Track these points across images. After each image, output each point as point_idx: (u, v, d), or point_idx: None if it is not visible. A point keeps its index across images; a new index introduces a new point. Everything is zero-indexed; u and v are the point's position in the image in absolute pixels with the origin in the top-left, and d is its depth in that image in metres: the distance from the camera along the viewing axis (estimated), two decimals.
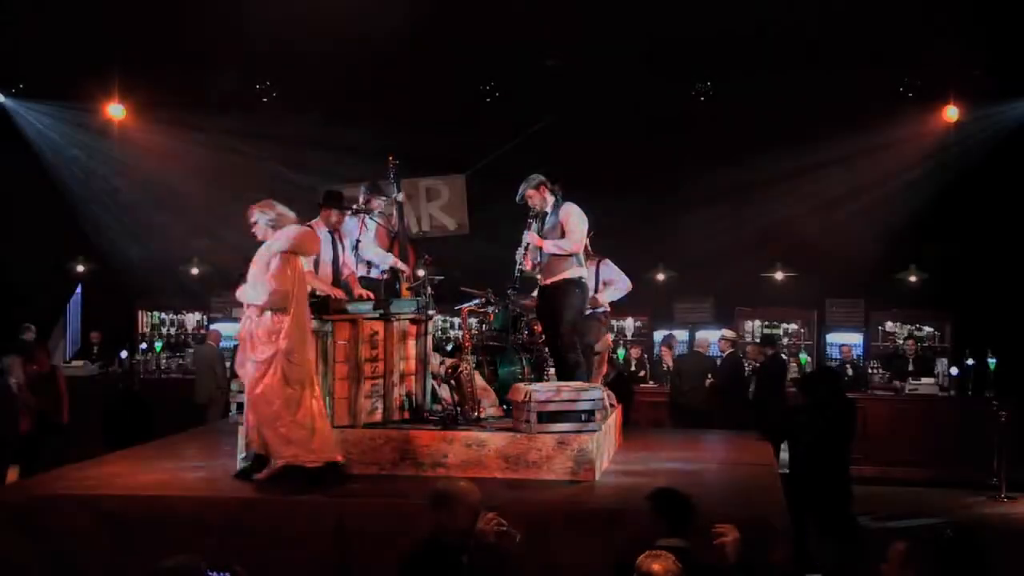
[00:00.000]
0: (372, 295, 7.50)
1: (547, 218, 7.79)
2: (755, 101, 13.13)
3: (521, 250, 7.79)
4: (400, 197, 8.33)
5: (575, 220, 7.72)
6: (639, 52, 12.75)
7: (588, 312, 8.31)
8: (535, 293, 8.14)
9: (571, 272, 7.74)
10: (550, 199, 7.80)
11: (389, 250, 8.19)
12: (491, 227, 12.10)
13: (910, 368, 12.84)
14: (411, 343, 7.55)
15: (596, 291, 8.65)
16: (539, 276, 7.87)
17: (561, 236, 7.66)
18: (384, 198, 8.22)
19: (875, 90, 13.07)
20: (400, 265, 8.09)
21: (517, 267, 7.82)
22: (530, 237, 7.75)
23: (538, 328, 8.35)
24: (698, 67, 13.37)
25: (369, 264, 8.08)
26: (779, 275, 14.80)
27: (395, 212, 8.28)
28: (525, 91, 13.50)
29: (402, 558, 4.57)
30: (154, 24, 12.35)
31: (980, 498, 10.18)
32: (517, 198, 7.83)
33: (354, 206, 7.98)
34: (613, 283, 8.86)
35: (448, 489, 4.63)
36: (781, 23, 12.01)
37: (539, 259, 7.79)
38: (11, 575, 5.90)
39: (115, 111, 13.91)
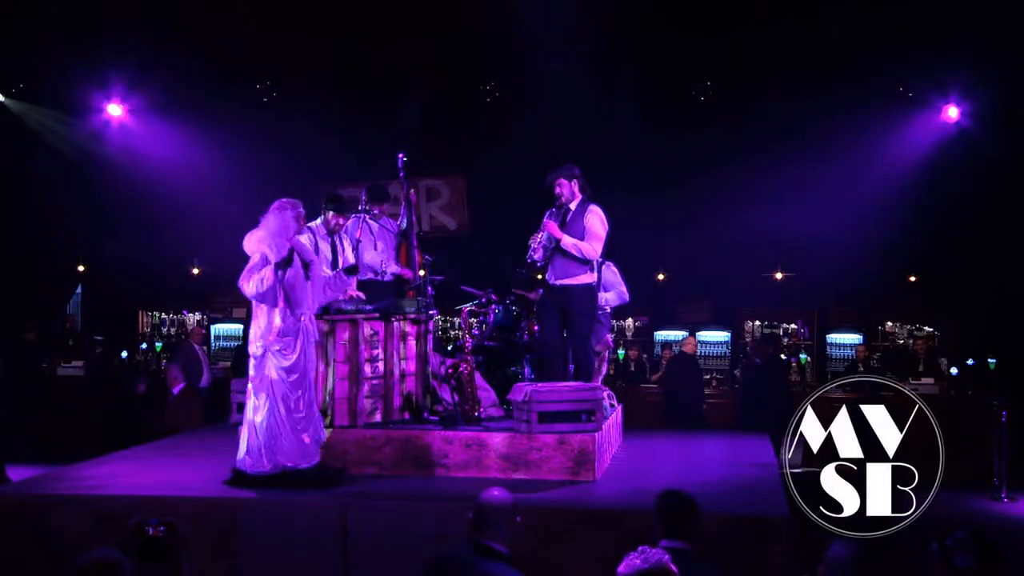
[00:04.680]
0: (363, 295, 7.48)
1: (569, 214, 7.69)
2: (755, 101, 13.12)
3: (537, 237, 7.68)
4: (412, 195, 8.25)
5: (600, 227, 7.63)
6: (639, 52, 12.75)
7: None
8: (540, 290, 8.07)
9: (586, 277, 7.67)
10: (578, 196, 7.73)
11: (396, 250, 8.15)
12: (492, 227, 12.10)
13: (920, 368, 12.77)
14: (411, 343, 7.55)
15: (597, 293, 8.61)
16: (551, 276, 7.77)
17: (581, 238, 7.59)
18: (385, 204, 8.14)
19: (875, 90, 13.05)
20: (402, 271, 8.01)
21: (529, 252, 7.71)
22: (550, 226, 7.62)
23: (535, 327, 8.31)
24: (699, 67, 13.35)
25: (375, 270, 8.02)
26: (779, 275, 14.81)
27: (403, 210, 8.22)
28: (525, 91, 13.48)
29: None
30: (154, 23, 12.33)
31: (980, 498, 10.18)
32: (546, 182, 7.72)
33: (359, 207, 7.97)
34: (612, 291, 8.76)
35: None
36: (780, 24, 12.01)
37: (548, 252, 7.69)
38: (11, 575, 5.90)
39: (115, 111, 13.91)
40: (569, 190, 7.68)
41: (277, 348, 6.33)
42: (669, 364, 12.82)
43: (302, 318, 6.43)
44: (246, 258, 6.64)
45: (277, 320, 6.34)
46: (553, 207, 7.74)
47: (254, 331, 6.44)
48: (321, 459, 6.47)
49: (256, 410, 6.36)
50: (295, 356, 6.33)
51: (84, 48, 12.77)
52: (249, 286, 6.35)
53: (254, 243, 6.53)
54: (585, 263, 7.63)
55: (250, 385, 6.45)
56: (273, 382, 6.32)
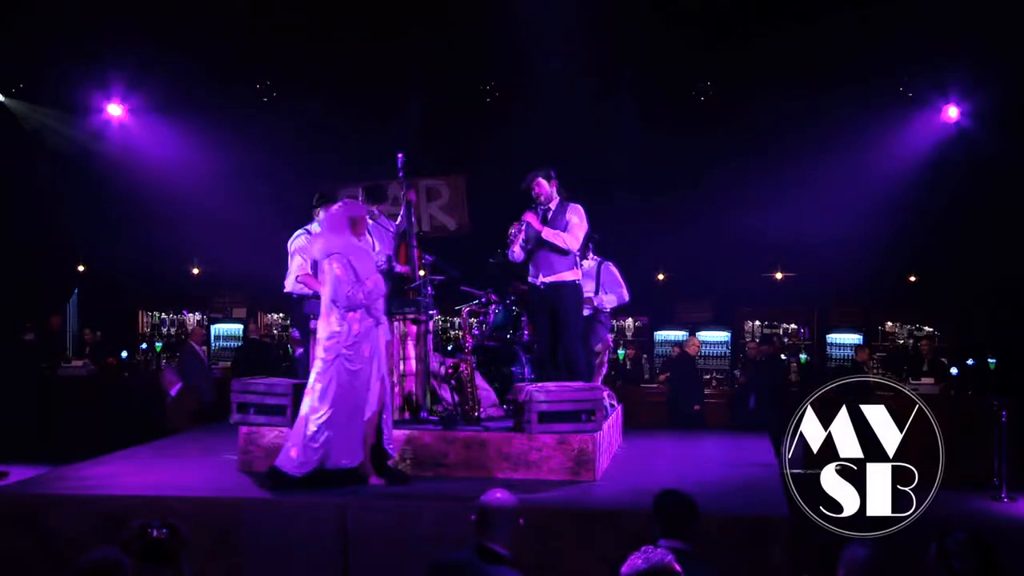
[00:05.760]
0: None
1: (549, 213, 7.76)
2: (755, 101, 13.12)
3: (515, 227, 7.75)
4: (411, 195, 8.23)
5: (580, 221, 7.72)
6: (639, 52, 12.75)
7: (587, 312, 8.31)
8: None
9: (572, 274, 7.72)
10: (556, 196, 7.80)
11: (396, 250, 8.13)
12: (492, 227, 12.07)
13: (924, 368, 12.72)
14: (411, 343, 7.55)
15: (596, 294, 8.62)
16: (536, 275, 7.79)
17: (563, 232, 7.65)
18: (383, 204, 8.12)
19: (875, 90, 13.05)
20: (404, 271, 8.00)
21: (508, 240, 7.80)
22: (529, 216, 7.68)
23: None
24: (699, 67, 13.35)
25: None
26: (779, 275, 14.81)
27: (403, 211, 8.20)
28: (525, 91, 13.48)
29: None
30: (154, 23, 12.33)
31: (980, 498, 10.17)
32: (524, 183, 7.80)
33: None
34: (612, 291, 8.79)
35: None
36: (780, 24, 12.01)
37: (527, 248, 7.74)
38: (11, 575, 5.90)
39: (115, 111, 13.91)
40: (547, 190, 7.78)
41: (348, 352, 6.32)
42: (672, 364, 12.85)
43: (381, 321, 6.48)
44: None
45: (355, 325, 6.34)
46: (530, 208, 7.79)
47: (325, 333, 6.38)
48: (363, 460, 6.47)
49: (314, 411, 6.33)
50: (363, 360, 6.34)
51: (84, 48, 12.77)
52: (358, 298, 6.30)
53: (305, 244, 6.52)
54: (568, 256, 7.69)
55: (316, 386, 6.36)
56: (341, 385, 6.31)
